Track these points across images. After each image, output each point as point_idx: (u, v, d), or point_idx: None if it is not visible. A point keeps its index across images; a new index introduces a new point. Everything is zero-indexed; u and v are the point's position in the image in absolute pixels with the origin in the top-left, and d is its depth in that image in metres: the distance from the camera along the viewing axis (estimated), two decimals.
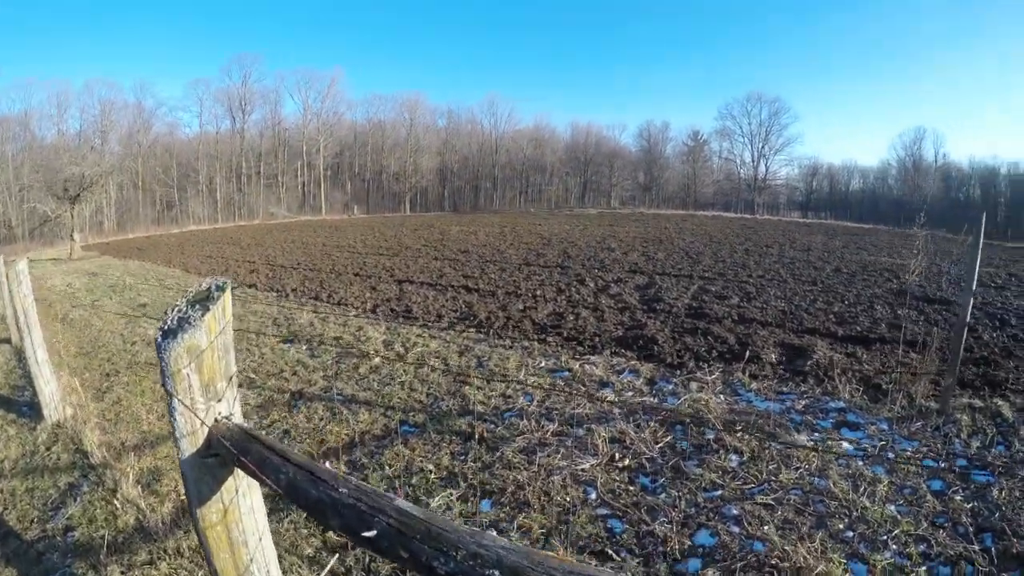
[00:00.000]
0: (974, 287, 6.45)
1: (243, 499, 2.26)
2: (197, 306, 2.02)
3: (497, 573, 1.21)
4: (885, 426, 6.10)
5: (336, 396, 7.15)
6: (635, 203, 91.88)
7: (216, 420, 2.10)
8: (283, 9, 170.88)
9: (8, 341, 10.83)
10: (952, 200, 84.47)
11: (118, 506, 4.58)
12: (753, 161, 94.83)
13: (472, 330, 10.57)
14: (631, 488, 4.77)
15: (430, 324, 11.14)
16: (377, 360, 8.69)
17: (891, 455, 5.38)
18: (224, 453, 2.03)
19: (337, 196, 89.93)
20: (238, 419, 2.18)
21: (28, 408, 7.24)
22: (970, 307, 6.42)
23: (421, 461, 5.32)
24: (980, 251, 6.35)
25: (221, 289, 2.12)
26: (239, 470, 2.16)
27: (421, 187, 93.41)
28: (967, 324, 6.45)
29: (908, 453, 5.44)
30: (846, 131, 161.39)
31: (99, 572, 3.84)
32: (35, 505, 4.79)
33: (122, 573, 3.83)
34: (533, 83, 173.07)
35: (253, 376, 8.16)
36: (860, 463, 5.19)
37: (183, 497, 4.65)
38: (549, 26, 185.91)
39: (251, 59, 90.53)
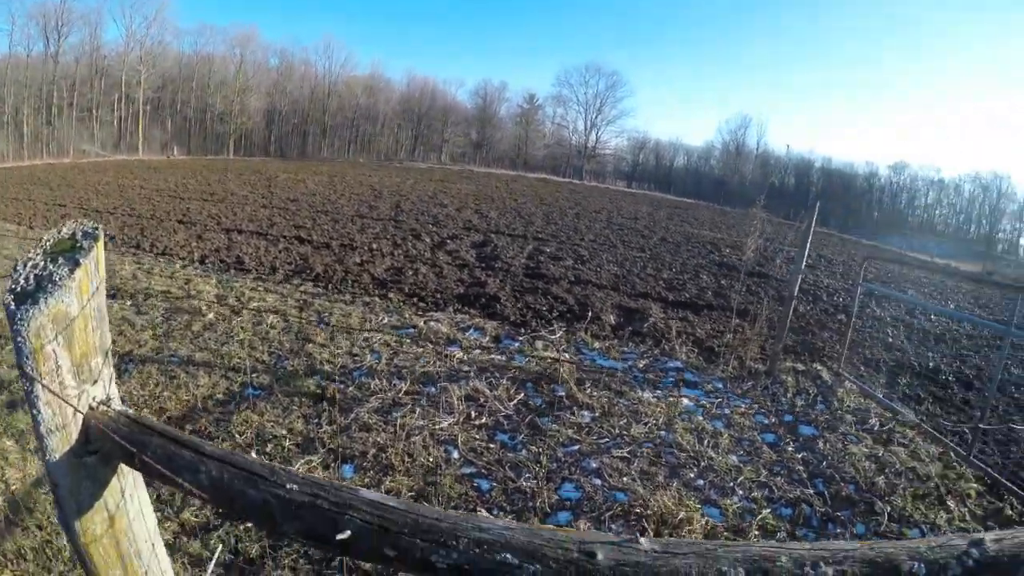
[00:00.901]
0: (803, 266, 7.08)
1: (130, 501, 1.85)
2: (60, 260, 1.60)
3: (510, 556, 1.12)
4: (720, 385, 6.53)
5: (171, 358, 6.53)
6: (466, 160, 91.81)
7: (92, 407, 1.67)
8: None
9: None
10: (769, 185, 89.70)
11: None
12: (585, 129, 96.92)
13: (309, 284, 10.21)
14: (492, 446, 4.78)
15: (264, 277, 10.66)
16: (211, 316, 8.17)
17: (727, 411, 5.78)
18: (108, 448, 1.66)
19: (156, 134, 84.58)
20: (118, 404, 1.79)
21: None
22: (799, 283, 7.01)
23: (272, 426, 5.03)
24: (811, 234, 6.95)
25: (92, 237, 1.70)
26: (123, 466, 1.79)
27: (247, 129, 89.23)
28: (795, 296, 7.02)
29: (742, 409, 5.85)
30: (676, 111, 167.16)
31: None
32: None
33: None
34: (372, 29, 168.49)
35: None
36: (700, 418, 5.53)
37: (13, 487, 4.10)
38: None
39: None
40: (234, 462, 1.44)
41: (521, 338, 7.67)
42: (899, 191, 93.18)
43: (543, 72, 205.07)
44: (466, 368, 6.40)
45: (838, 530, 3.95)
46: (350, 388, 5.77)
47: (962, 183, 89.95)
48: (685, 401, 5.92)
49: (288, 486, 1.32)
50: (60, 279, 1.54)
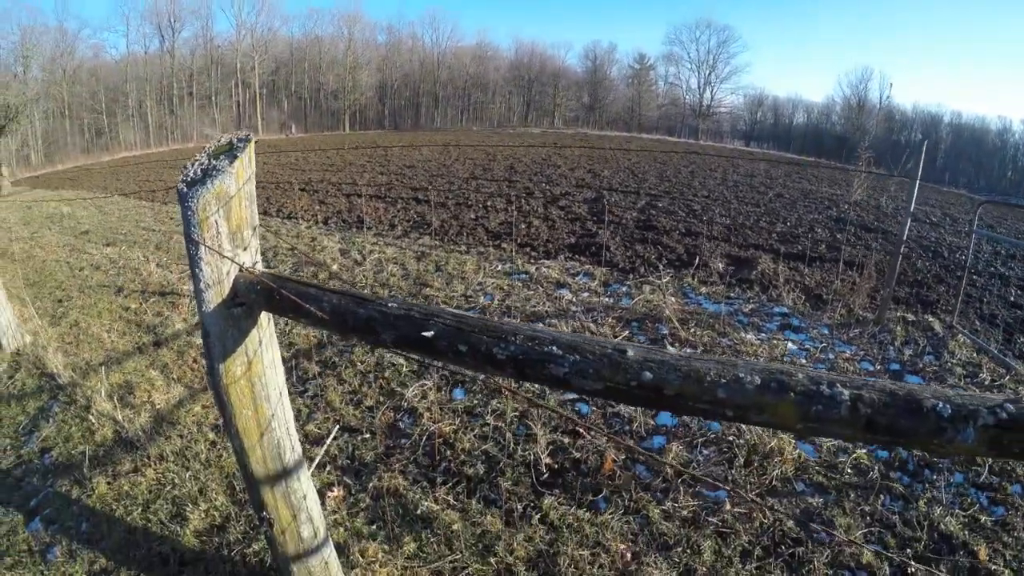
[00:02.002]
0: (912, 208, 6.86)
1: (265, 351, 2.24)
2: (222, 156, 1.98)
3: (555, 348, 1.36)
4: (826, 331, 6.48)
5: None
6: (578, 124, 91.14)
7: (240, 269, 2.05)
8: None
9: None
10: (894, 142, 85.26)
11: (93, 421, 4.54)
12: (699, 88, 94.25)
13: (427, 237, 10.65)
14: None
15: (384, 233, 11.18)
16: (335, 267, 8.78)
17: (831, 356, 5.76)
18: (252, 300, 2.03)
19: (273, 115, 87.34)
20: (261, 268, 2.16)
21: None
22: (908, 226, 6.87)
23: (391, 357, 5.42)
24: (919, 178, 6.72)
25: (245, 140, 2.08)
26: (263, 320, 2.19)
27: (360, 105, 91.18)
28: (904, 241, 6.88)
29: (847, 355, 5.81)
30: (794, 66, 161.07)
31: (84, 486, 3.81)
32: (6, 434, 4.66)
33: (108, 484, 3.81)
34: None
35: None
36: (803, 361, 5.58)
37: (159, 407, 4.75)
38: None
39: None
40: (349, 293, 1.80)
41: (629, 283, 7.85)
42: None
43: (653, 31, 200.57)
44: (574, 308, 6.66)
45: (934, 476, 3.90)
46: None
47: None
48: (789, 344, 5.98)
49: (389, 304, 1.65)
50: (223, 167, 1.91)
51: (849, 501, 3.55)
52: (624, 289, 7.62)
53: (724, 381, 1.22)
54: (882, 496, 3.63)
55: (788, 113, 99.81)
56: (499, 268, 8.52)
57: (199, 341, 6.05)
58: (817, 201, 18.33)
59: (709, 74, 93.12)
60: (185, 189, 1.88)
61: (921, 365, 5.72)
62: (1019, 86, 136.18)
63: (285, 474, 2.37)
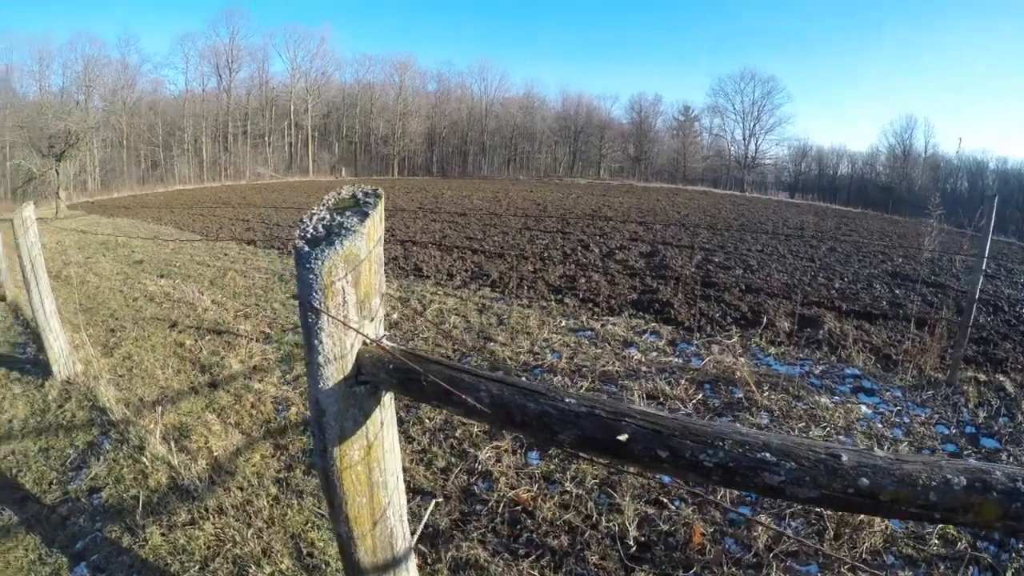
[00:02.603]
0: (983, 267, 6.72)
1: (386, 433, 2.09)
2: (348, 213, 1.87)
3: (768, 454, 1.28)
4: (898, 393, 6.31)
5: None
6: (624, 175, 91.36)
7: (366, 342, 1.92)
8: None
9: (2, 299, 10.69)
10: (940, 191, 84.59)
11: (147, 464, 4.43)
12: (744, 139, 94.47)
13: (487, 289, 10.62)
14: None
15: (443, 282, 11.17)
16: (396, 316, 8.75)
17: (906, 419, 5.62)
18: (381, 379, 1.88)
19: (324, 158, 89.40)
20: (388, 341, 2.00)
21: (32, 365, 7.03)
22: (979, 286, 6.70)
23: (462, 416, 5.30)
24: (990, 233, 6.66)
25: (375, 196, 1.97)
26: (386, 399, 2.06)
27: (409, 151, 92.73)
28: (975, 302, 6.72)
29: (922, 418, 5.67)
30: (837, 115, 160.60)
31: (136, 534, 3.67)
32: (52, 466, 4.57)
33: (162, 535, 3.66)
34: (525, 49, 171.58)
35: (268, 331, 8.16)
36: (879, 425, 5.43)
37: (216, 453, 4.67)
38: None
39: (239, 15, 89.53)
40: (512, 382, 1.66)
41: (696, 342, 7.73)
42: None
43: (697, 83, 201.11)
44: (644, 369, 6.55)
45: (1021, 545, 3.76)
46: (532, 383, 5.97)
47: None
48: (863, 408, 5.83)
49: (566, 400, 1.52)
50: (352, 226, 1.81)
51: (939, 573, 3.43)
52: (692, 348, 7.51)
53: (934, 484, 1.18)
54: (971, 568, 3.50)
55: (832, 164, 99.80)
56: (563, 324, 8.42)
57: (257, 385, 6.16)
58: (871, 255, 18.13)
59: (754, 125, 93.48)
60: (306, 248, 1.75)
61: (996, 428, 5.58)
62: None
63: (395, 564, 2.23)
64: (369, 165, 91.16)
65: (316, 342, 1.81)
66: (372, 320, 1.96)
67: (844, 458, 1.25)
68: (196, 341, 7.77)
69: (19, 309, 9.53)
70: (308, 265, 1.73)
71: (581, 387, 5.90)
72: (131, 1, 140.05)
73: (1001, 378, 6.91)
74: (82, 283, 12.11)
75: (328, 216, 1.86)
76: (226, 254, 15.34)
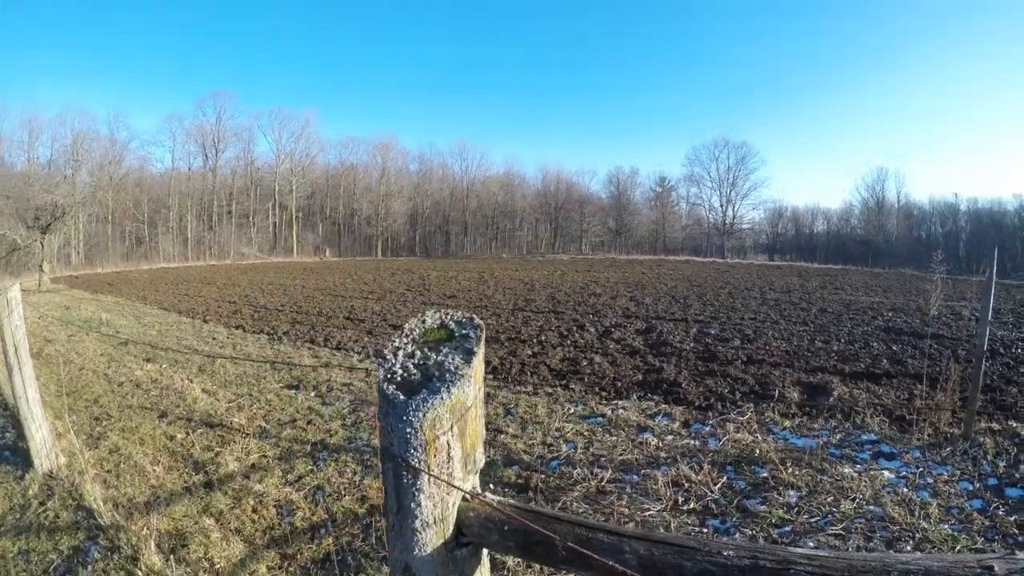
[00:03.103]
0: (989, 317, 6.86)
1: None
2: (445, 349, 1.67)
3: None
4: (918, 453, 6.31)
5: (364, 446, 6.84)
6: (605, 248, 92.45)
7: (466, 498, 1.69)
8: (258, 45, 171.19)
9: None
10: (915, 238, 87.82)
11: None
12: (721, 206, 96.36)
13: (489, 376, 10.37)
14: (704, 531, 4.75)
15: None
16: None
17: (930, 480, 5.59)
18: (489, 541, 1.65)
19: (308, 238, 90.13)
20: (488, 495, 1.74)
21: (11, 453, 6.68)
22: (987, 338, 6.83)
23: None
24: (993, 286, 6.80)
25: (475, 328, 1.80)
26: (484, 557, 1.81)
27: (392, 231, 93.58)
28: (984, 352, 6.84)
29: (945, 477, 5.67)
30: (809, 174, 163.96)
31: None
32: (32, 572, 4.25)
33: None
34: (504, 127, 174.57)
35: (265, 425, 7.79)
36: (905, 489, 5.37)
37: (218, 566, 4.35)
38: (520, 69, 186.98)
39: (226, 96, 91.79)
40: (660, 539, 1.43)
41: (711, 422, 7.61)
42: None
43: (672, 153, 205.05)
44: (663, 454, 6.40)
45: None
46: (551, 478, 5.82)
47: None
48: (886, 473, 5.77)
49: (724, 553, 1.34)
50: (457, 368, 1.60)
51: None
52: (707, 429, 7.37)
53: None
54: None
55: (808, 222, 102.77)
56: (572, 411, 8.23)
57: (257, 487, 5.78)
58: (860, 312, 18.60)
59: (730, 191, 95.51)
60: (401, 397, 1.52)
61: (1018, 476, 5.59)
62: None
63: None
64: (353, 246, 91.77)
65: (412, 504, 1.57)
66: (476, 473, 1.78)
67: (996, 568, 1.18)
68: (188, 434, 7.41)
69: (1, 390, 8.92)
70: (405, 418, 1.50)
71: (603, 477, 5.72)
72: (121, 78, 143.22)
73: (1015, 424, 7.02)
74: (65, 363, 11.75)
75: (420, 353, 1.69)
76: (214, 338, 15.07)
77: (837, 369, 10.36)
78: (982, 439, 6.50)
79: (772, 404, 8.24)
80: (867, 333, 14.24)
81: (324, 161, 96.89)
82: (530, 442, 6.94)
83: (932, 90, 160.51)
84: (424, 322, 1.88)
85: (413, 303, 22.47)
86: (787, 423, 7.54)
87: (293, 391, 9.52)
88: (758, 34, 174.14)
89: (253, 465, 6.40)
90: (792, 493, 5.36)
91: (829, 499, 5.20)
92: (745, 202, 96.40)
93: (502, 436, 7.17)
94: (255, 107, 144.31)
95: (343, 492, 5.64)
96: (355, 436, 7.25)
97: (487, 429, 7.23)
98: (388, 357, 1.70)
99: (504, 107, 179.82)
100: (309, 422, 7.85)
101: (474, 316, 1.91)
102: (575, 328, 15.27)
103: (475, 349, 1.70)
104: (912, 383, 9.21)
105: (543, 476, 5.85)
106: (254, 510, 5.33)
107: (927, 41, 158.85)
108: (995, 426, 6.99)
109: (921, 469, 5.87)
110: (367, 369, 10.78)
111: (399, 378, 1.61)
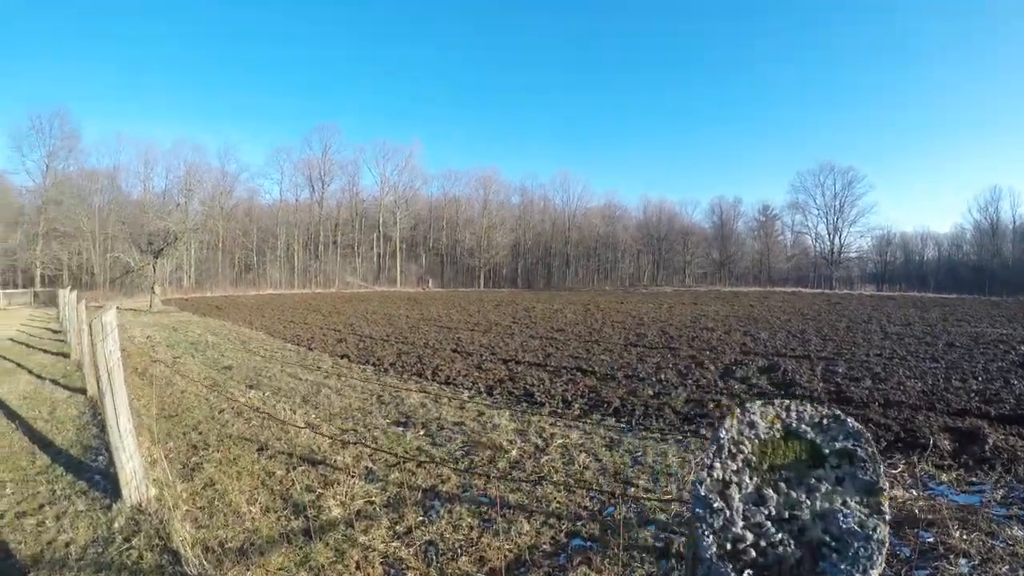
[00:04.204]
0: None
1: None
2: (819, 483, 1.15)
3: None
4: None
5: (480, 497, 6.34)
6: (709, 280, 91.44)
7: None
8: (363, 81, 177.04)
9: (83, 392, 10.60)
10: None
11: None
12: (828, 234, 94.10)
13: (611, 419, 9.85)
14: None
15: (559, 412, 10.37)
16: (515, 452, 7.91)
17: None
18: None
19: (412, 268, 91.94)
20: None
21: (102, 478, 6.62)
22: None
23: None
24: None
25: (856, 437, 1.21)
26: None
27: (494, 262, 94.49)
28: None
29: None
30: (917, 195, 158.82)
31: None
32: None
33: None
34: (605, 159, 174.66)
35: (371, 465, 7.34)
36: None
37: None
38: (622, 105, 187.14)
39: (331, 130, 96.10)
40: None
41: None
42: None
43: (778, 181, 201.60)
44: None
45: None
46: None
47: None
48: None
49: None
50: (865, 528, 1.10)
51: None
52: None
53: None
54: None
55: (918, 249, 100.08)
56: (706, 460, 7.68)
57: (362, 538, 5.29)
58: (991, 345, 18.00)
59: (837, 219, 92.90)
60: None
61: None
62: None
63: None
64: (455, 277, 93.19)
65: None
66: None
67: None
68: (288, 471, 7.01)
69: (99, 407, 8.99)
70: None
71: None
72: (231, 114, 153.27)
73: None
74: (167, 384, 11.91)
75: (772, 493, 1.16)
76: (319, 367, 14.98)
77: (982, 412, 9.75)
78: None
79: (923, 454, 7.69)
80: (1003, 369, 13.60)
81: (427, 193, 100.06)
82: (664, 497, 6.36)
83: None
84: (753, 426, 1.20)
85: (521, 336, 22.21)
86: (944, 477, 7.00)
87: (401, 428, 9.23)
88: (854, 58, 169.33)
89: (358, 512, 5.93)
90: (963, 561, 4.87)
91: (1004, 568, 4.72)
92: (852, 229, 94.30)
93: (632, 489, 6.62)
94: (359, 141, 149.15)
95: (459, 551, 5.12)
96: (469, 484, 6.77)
97: (616, 480, 6.83)
98: (711, 502, 1.15)
99: (604, 137, 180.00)
100: (419, 464, 7.37)
101: (838, 411, 1.29)
102: (694, 366, 14.76)
103: (879, 482, 1.14)
104: None
105: (684, 539, 5.26)
106: (358, 567, 4.88)
107: None
108: None
109: None
110: (480, 410, 10.38)
111: (749, 551, 1.10)
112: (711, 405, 10.61)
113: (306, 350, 18.36)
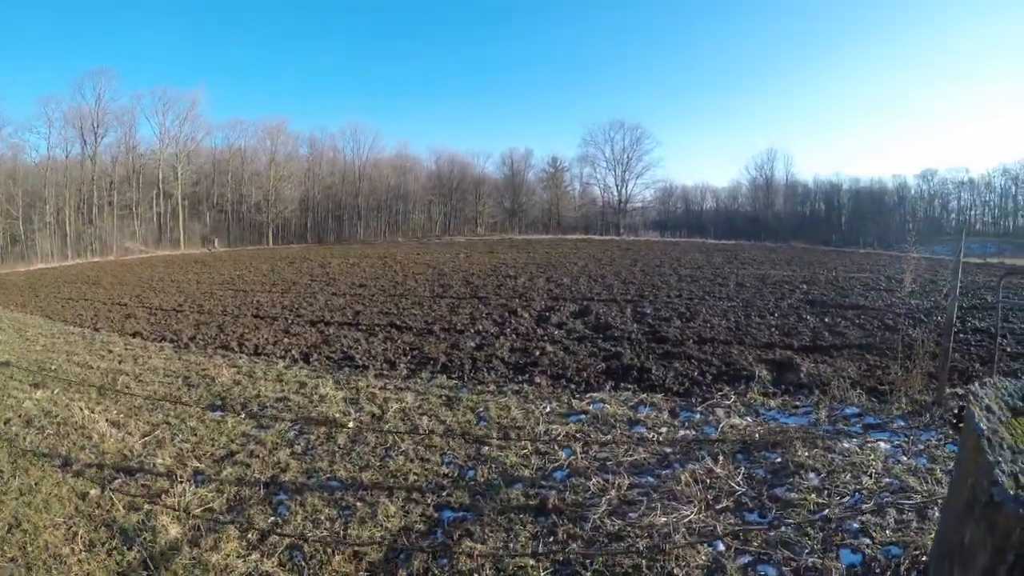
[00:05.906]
0: (957, 293, 7.09)
1: None
2: None
3: None
4: (902, 422, 6.57)
5: (330, 482, 5.74)
6: (500, 229, 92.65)
7: None
8: (141, 21, 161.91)
9: None
10: (800, 215, 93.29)
11: None
12: (616, 185, 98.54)
13: (441, 376, 9.52)
14: (752, 528, 4.45)
15: (386, 373, 9.88)
16: (352, 425, 7.25)
17: (921, 447, 5.79)
18: None
19: (196, 228, 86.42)
20: None
21: None
22: (955, 311, 7.16)
23: (509, 557, 4.24)
24: (961, 261, 7.09)
25: None
26: None
27: (284, 218, 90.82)
28: (953, 324, 7.18)
29: (933, 442, 5.90)
30: (697, 154, 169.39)
31: None
32: None
33: None
34: (394, 109, 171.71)
35: (197, 464, 6.34)
36: (906, 458, 5.52)
37: None
38: (416, 54, 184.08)
39: (106, 75, 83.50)
40: None
41: (698, 408, 7.34)
42: (932, 198, 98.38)
43: (568, 135, 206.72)
44: (668, 450, 6.02)
45: None
46: (566, 493, 5.15)
47: (992, 179, 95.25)
48: (882, 444, 5.87)
49: None
50: None
51: None
52: (697, 416, 7.06)
53: None
54: None
55: (698, 200, 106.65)
56: (549, 410, 7.52)
57: (215, 559, 4.47)
58: (777, 285, 19.38)
59: (624, 172, 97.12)
60: None
61: None
62: (908, 141, 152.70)
63: None
64: (242, 235, 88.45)
65: None
66: None
67: None
68: (103, 489, 5.77)
69: None
70: None
71: (620, 485, 5.16)
72: None
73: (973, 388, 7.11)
74: None
75: None
76: (111, 350, 13.27)
77: (786, 344, 10.48)
78: (951, 403, 6.73)
79: (749, 384, 8.21)
80: (793, 307, 14.58)
81: (210, 145, 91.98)
82: (521, 451, 6.19)
83: (819, 79, 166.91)
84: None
85: (323, 294, 21.28)
86: (773, 403, 7.47)
87: (219, 413, 8.18)
88: (642, 29, 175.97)
89: (199, 526, 4.98)
90: (812, 476, 5.26)
91: (847, 477, 5.17)
92: (639, 181, 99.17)
93: (486, 448, 6.36)
94: (138, 88, 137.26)
95: (330, 551, 4.49)
96: (313, 468, 6.08)
97: (467, 441, 6.64)
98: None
99: (395, 89, 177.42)
100: (251, 455, 6.52)
101: None
102: (508, 314, 14.78)
103: None
104: (859, 354, 9.64)
105: (551, 492, 5.16)
106: None
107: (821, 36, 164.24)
108: (959, 391, 7.30)
109: (911, 437, 6.07)
110: (302, 381, 9.59)
111: None
112: (537, 353, 10.61)
113: (92, 331, 16.28)
